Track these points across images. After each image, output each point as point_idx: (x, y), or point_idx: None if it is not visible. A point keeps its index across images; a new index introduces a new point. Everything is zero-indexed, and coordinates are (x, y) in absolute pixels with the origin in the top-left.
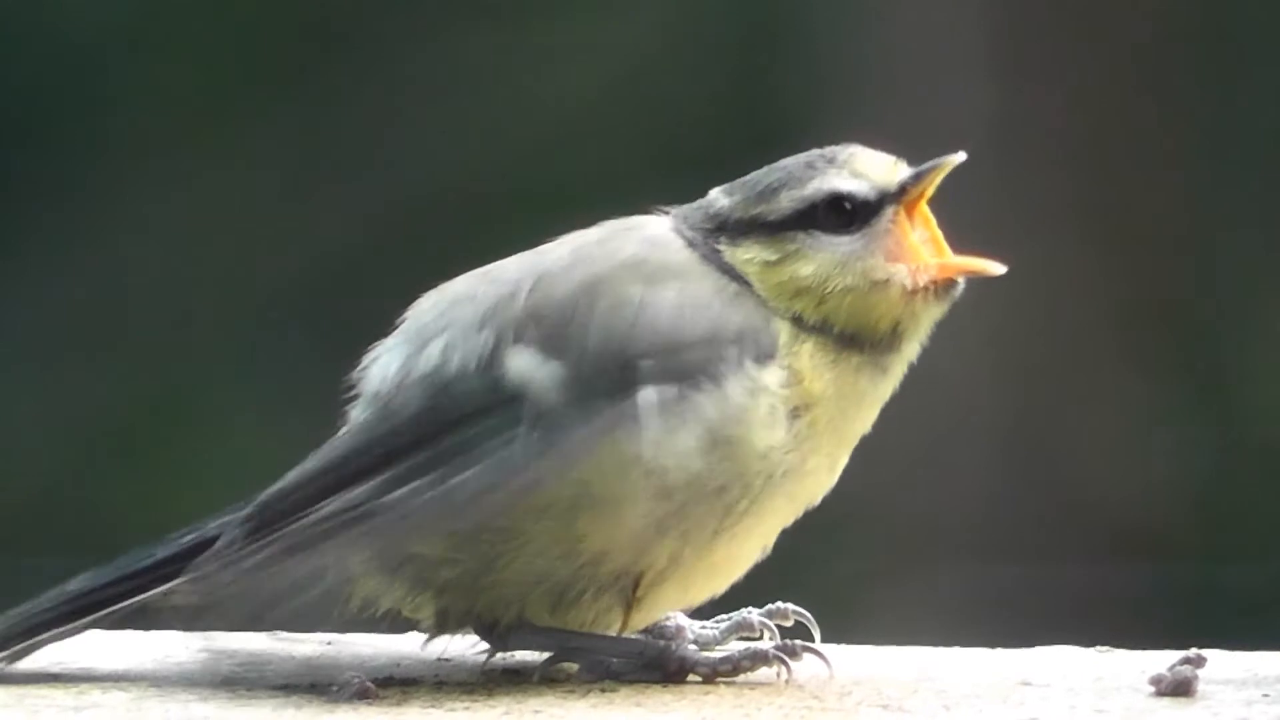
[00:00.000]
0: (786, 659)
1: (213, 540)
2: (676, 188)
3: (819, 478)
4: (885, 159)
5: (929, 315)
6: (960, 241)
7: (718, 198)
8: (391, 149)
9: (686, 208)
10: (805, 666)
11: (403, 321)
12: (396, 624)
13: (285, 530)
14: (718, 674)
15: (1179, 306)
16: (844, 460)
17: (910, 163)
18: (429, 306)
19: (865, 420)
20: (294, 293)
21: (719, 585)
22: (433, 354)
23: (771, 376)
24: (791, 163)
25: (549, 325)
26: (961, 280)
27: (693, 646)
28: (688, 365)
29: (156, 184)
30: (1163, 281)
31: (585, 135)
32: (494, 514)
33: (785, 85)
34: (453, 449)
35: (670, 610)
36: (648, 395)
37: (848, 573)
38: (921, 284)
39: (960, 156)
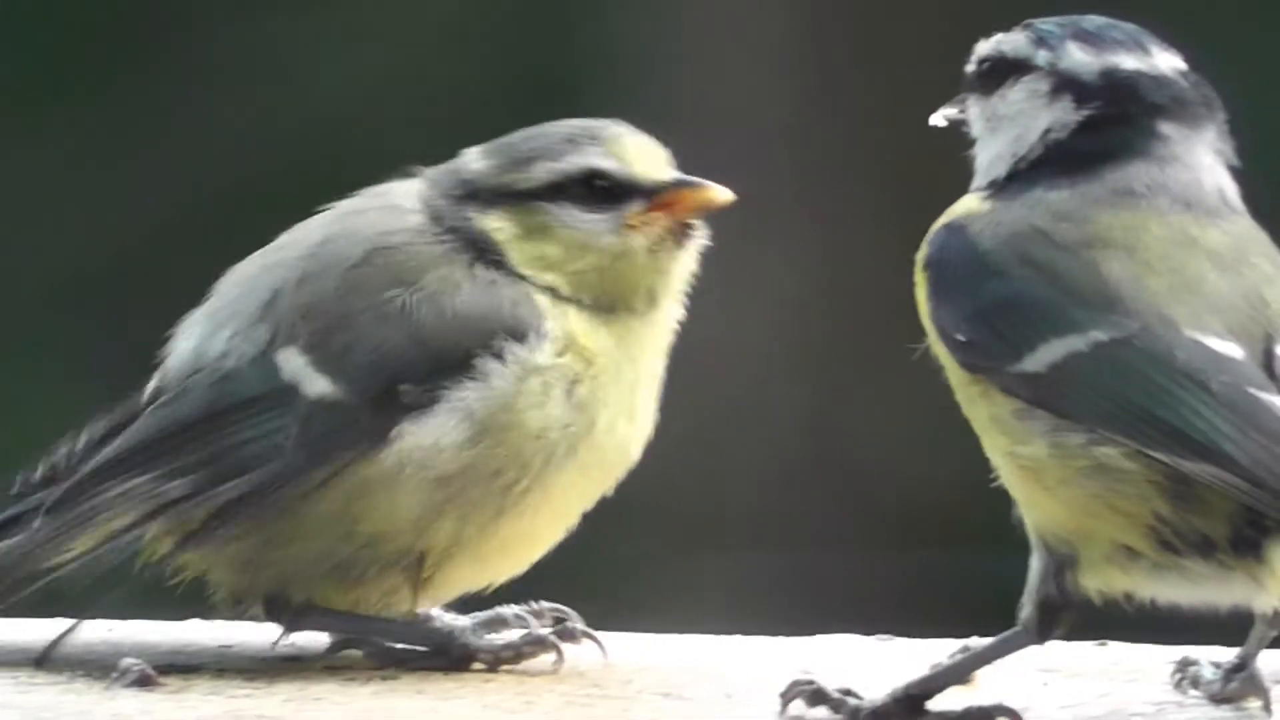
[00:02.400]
0: (564, 644)
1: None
2: None
3: (614, 439)
4: (652, 150)
5: (676, 268)
6: (755, 232)
7: (472, 160)
8: (185, 134)
9: (439, 170)
10: (588, 654)
11: (209, 296)
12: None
13: (74, 514)
14: (500, 660)
15: None
16: (645, 408)
17: (686, 148)
18: (227, 287)
19: (651, 366)
20: (82, 279)
21: (516, 564)
22: (219, 343)
23: (541, 355)
24: (552, 130)
25: (316, 328)
26: (698, 224)
27: (476, 631)
28: (450, 366)
29: None
30: None
31: (375, 116)
32: (267, 508)
33: (581, 65)
34: (231, 442)
35: (466, 589)
36: (411, 395)
37: (630, 560)
38: (656, 240)
39: (728, 196)
